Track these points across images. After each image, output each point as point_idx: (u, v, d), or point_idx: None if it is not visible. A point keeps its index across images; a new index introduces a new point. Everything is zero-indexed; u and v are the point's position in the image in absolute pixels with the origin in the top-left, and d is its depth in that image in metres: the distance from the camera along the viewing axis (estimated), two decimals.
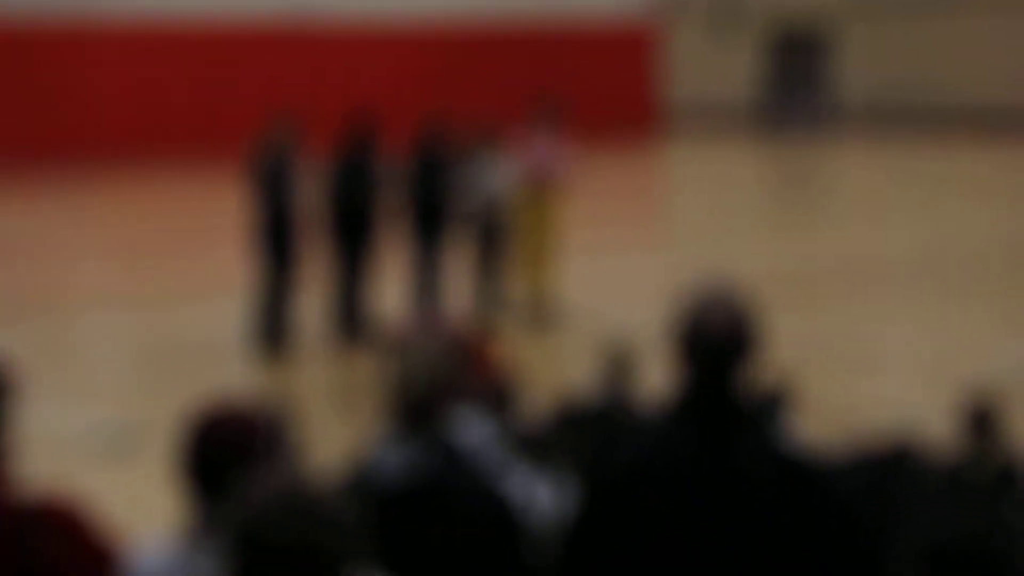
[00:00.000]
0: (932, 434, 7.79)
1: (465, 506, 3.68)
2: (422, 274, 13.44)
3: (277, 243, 12.47)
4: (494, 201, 13.73)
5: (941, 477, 6.49)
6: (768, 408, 6.30)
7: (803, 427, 6.60)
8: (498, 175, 13.75)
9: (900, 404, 10.50)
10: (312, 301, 13.27)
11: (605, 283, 16.25)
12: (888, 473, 6.52)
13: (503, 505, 3.75)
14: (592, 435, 6.68)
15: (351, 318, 12.97)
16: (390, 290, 13.65)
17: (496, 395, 5.87)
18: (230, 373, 11.79)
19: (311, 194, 12.72)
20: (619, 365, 7.61)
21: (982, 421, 6.63)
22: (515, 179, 13.89)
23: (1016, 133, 35.24)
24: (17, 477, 3.71)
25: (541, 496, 4.09)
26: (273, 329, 12.52)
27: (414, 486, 3.66)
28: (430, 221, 13.34)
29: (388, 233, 13.27)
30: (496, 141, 13.94)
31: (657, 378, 7.94)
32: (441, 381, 3.71)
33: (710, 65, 41.88)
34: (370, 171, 13.01)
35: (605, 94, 36.55)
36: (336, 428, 9.64)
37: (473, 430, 4.12)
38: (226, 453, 3.39)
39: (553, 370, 11.90)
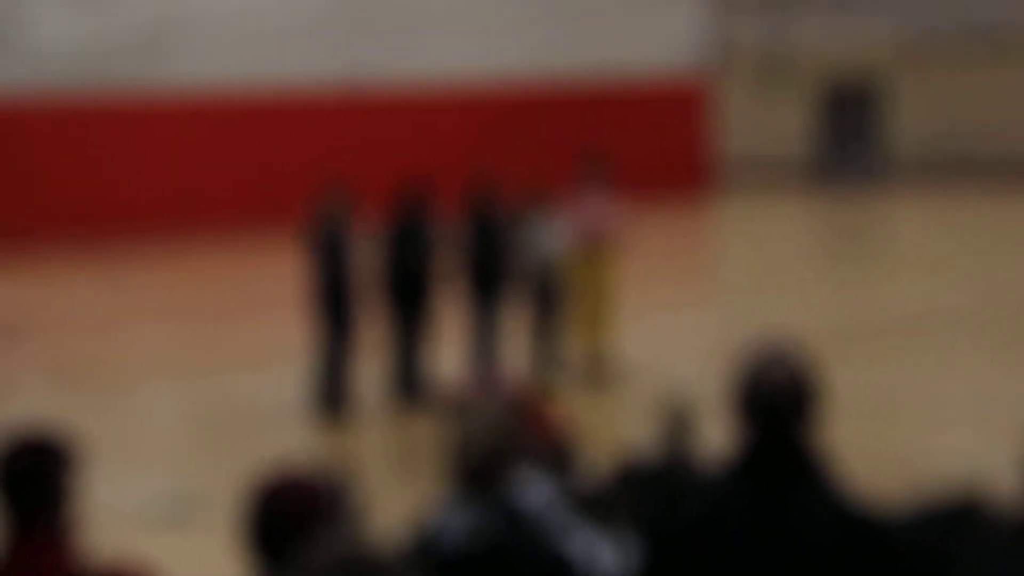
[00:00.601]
0: (997, 487, 7.70)
1: (528, 568, 3.68)
2: (479, 336, 13.46)
3: (334, 310, 12.54)
4: (548, 262, 13.75)
5: (1008, 531, 6.40)
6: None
7: (857, 480, 6.54)
8: (551, 236, 13.78)
9: (962, 457, 10.39)
10: (370, 366, 13.31)
11: (662, 341, 16.22)
12: (954, 527, 6.44)
13: (566, 566, 3.75)
14: (653, 494, 6.65)
15: (409, 382, 13.00)
16: (447, 353, 13.67)
17: (555, 456, 5.86)
18: (289, 439, 11.82)
19: (366, 260, 12.80)
20: (678, 423, 7.58)
21: None
22: (568, 239, 13.91)
23: None
24: (83, 547, 3.74)
25: (603, 556, 4.08)
26: (332, 395, 12.56)
27: (477, 549, 3.66)
28: (485, 283, 13.37)
29: (444, 296, 13.32)
30: (548, 202, 13.97)
31: (716, 435, 7.91)
32: (501, 444, 3.72)
33: (760, 120, 41.87)
34: (424, 235, 13.09)
35: (656, 152, 36.59)
36: (397, 492, 9.64)
37: (534, 492, 4.12)
38: (289, 521, 3.41)
39: (612, 429, 11.87)
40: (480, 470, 3.70)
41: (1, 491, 3.69)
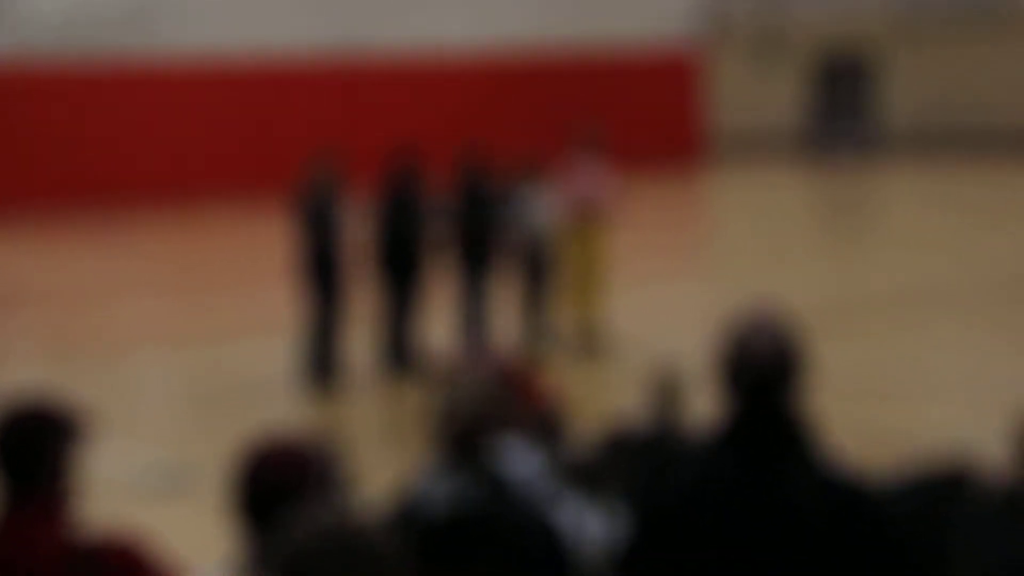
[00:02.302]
0: (986, 460, 7.73)
1: (512, 537, 3.69)
2: (469, 307, 13.47)
3: (322, 280, 12.53)
4: (539, 233, 13.75)
5: (997, 502, 6.43)
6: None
7: (847, 452, 6.57)
8: (542, 207, 13.77)
9: (952, 431, 10.42)
10: (361, 336, 13.32)
11: (652, 312, 16.23)
12: (944, 498, 6.46)
13: (551, 535, 3.76)
14: (641, 463, 6.67)
15: (399, 352, 13.01)
16: (438, 324, 13.68)
17: (544, 425, 5.87)
18: (280, 409, 11.83)
19: (357, 230, 12.79)
20: (667, 393, 7.59)
21: None
22: (560, 210, 13.91)
23: None
24: (80, 516, 3.75)
25: (590, 525, 4.09)
26: (322, 365, 12.57)
27: (461, 517, 3.67)
28: (476, 255, 13.37)
29: (435, 267, 13.32)
30: (539, 173, 13.96)
31: (705, 405, 7.92)
32: (486, 413, 3.72)
33: (754, 92, 41.83)
34: (416, 206, 13.07)
35: (649, 123, 36.57)
36: (386, 461, 9.66)
37: (520, 460, 4.13)
38: (278, 488, 3.42)
39: (601, 399, 11.89)
40: (464, 438, 3.71)
41: None
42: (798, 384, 3.42)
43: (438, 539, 3.65)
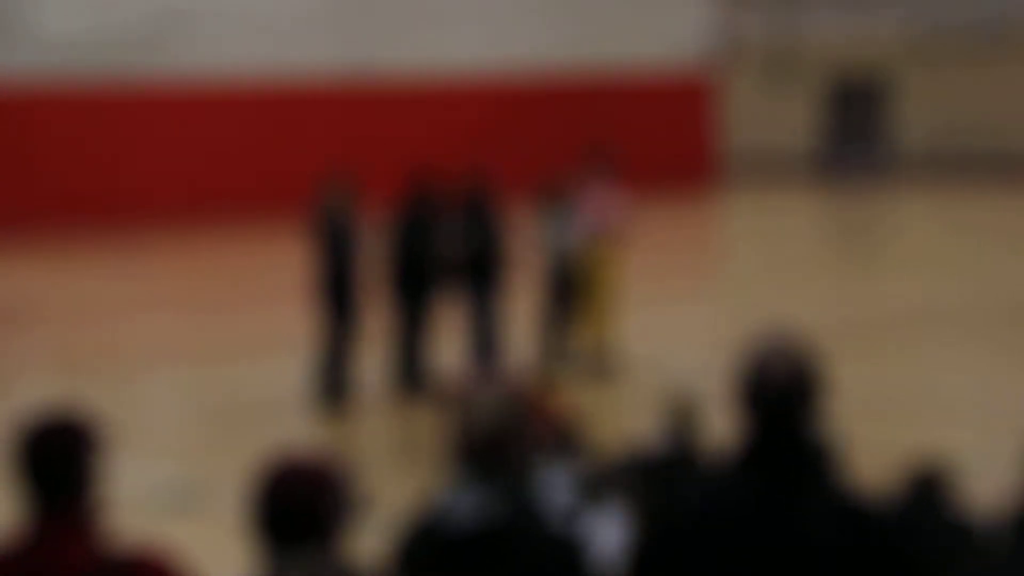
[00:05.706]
0: (996, 483, 7.72)
1: (534, 551, 3.68)
2: (478, 328, 13.44)
3: (337, 300, 12.53)
4: (564, 255, 13.73)
5: (1006, 526, 6.41)
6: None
7: (856, 473, 6.55)
8: (568, 229, 13.75)
9: (964, 454, 10.39)
10: (374, 356, 13.32)
11: (666, 334, 16.22)
12: (918, 500, 6.46)
13: (572, 551, 3.75)
14: (656, 484, 6.67)
15: (412, 372, 13.00)
16: (449, 345, 13.67)
17: (560, 443, 5.88)
18: (292, 429, 11.84)
19: (371, 250, 12.80)
20: (682, 415, 7.60)
21: None
22: (583, 233, 13.89)
23: None
24: (107, 530, 3.75)
25: (608, 542, 4.09)
26: (334, 385, 12.57)
27: (485, 531, 3.66)
28: (480, 274, 13.32)
29: (446, 288, 13.30)
30: (566, 196, 13.95)
31: (720, 427, 7.91)
32: (509, 426, 3.72)
33: (767, 115, 41.83)
34: (430, 227, 13.07)
35: (662, 145, 36.55)
36: (397, 481, 9.66)
37: (542, 478, 4.13)
38: (297, 507, 3.43)
39: (616, 420, 11.88)
40: (489, 452, 3.70)
41: (27, 472, 3.68)
42: (815, 407, 3.43)
43: (461, 553, 3.65)
